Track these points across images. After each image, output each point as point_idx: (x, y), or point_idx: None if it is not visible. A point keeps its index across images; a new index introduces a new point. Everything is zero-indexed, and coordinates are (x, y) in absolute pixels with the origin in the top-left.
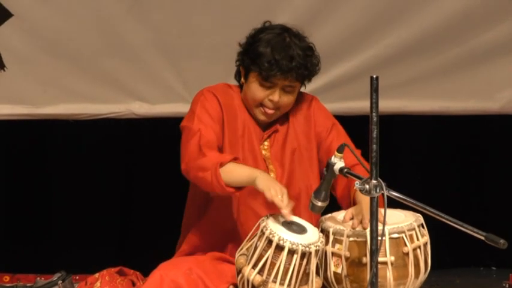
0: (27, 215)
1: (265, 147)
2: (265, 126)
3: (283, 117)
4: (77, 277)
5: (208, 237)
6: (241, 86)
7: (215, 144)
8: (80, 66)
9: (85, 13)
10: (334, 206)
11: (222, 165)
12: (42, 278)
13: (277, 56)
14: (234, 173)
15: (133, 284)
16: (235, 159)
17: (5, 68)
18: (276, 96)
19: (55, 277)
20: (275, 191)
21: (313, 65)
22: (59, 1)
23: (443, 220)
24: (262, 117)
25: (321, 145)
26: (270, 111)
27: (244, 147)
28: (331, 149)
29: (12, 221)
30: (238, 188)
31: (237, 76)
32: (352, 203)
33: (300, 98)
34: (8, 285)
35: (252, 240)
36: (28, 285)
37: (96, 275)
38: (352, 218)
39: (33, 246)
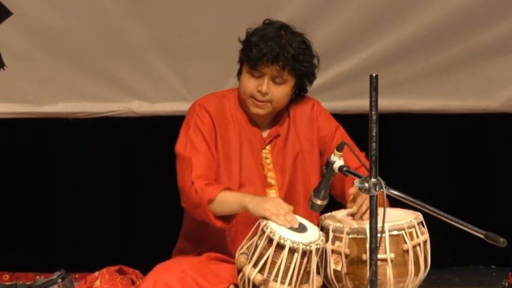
0: (27, 214)
1: (267, 151)
2: (266, 129)
3: (285, 120)
4: (77, 276)
5: (208, 237)
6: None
7: (207, 172)
8: (80, 65)
9: (84, 11)
10: (334, 205)
11: (210, 201)
12: (42, 277)
13: (265, 43)
14: (225, 204)
15: (133, 282)
16: (225, 189)
17: (4, 67)
18: (264, 86)
19: (54, 276)
20: (271, 213)
21: (306, 59)
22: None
23: (443, 218)
24: (254, 110)
25: (325, 150)
26: (260, 103)
27: (242, 157)
28: None
29: (12, 220)
30: (231, 219)
31: (238, 75)
32: None
33: (302, 100)
34: (7, 283)
35: (252, 239)
36: (27, 283)
37: (96, 273)
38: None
39: (32, 244)
